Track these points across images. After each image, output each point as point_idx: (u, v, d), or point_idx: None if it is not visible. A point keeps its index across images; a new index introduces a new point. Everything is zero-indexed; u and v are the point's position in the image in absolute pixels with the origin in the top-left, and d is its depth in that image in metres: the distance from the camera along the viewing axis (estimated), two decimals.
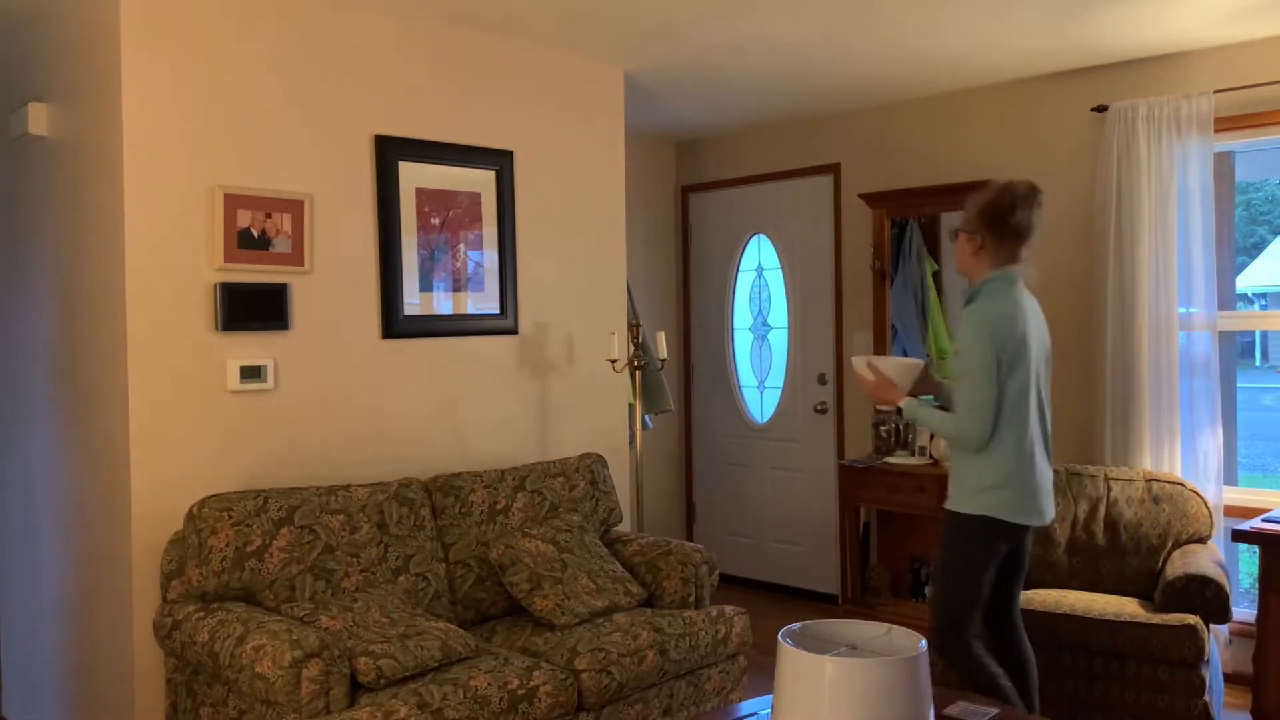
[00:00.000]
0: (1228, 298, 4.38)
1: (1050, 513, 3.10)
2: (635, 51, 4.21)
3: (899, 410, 3.16)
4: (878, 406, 3.25)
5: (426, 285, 3.77)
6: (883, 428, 5.06)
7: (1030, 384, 2.99)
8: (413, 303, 3.72)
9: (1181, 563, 3.59)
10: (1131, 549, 3.89)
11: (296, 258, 3.39)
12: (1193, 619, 3.36)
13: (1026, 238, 3.04)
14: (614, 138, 4.48)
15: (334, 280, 3.52)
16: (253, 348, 3.32)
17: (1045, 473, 3.07)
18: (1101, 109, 4.42)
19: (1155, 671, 3.39)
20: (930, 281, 5.09)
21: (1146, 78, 4.38)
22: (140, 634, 3.09)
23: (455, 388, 3.87)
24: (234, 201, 3.24)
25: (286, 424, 3.39)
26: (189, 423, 3.18)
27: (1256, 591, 3.43)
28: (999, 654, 3.25)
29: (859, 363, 3.25)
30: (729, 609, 3.58)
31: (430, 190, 3.78)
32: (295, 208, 3.38)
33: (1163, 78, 4.34)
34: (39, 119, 3.48)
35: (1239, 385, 4.86)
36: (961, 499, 3.04)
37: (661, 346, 4.41)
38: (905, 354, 5.20)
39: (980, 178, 4.88)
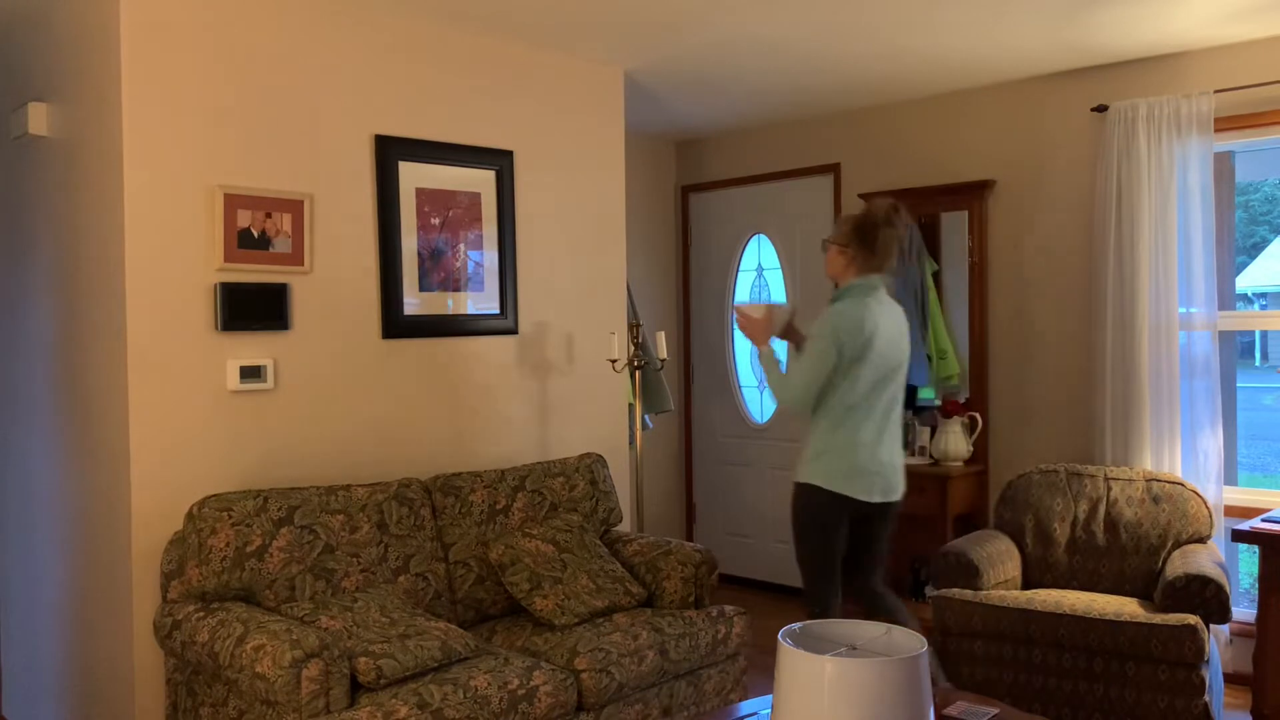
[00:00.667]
0: (1228, 298, 4.38)
1: (879, 495, 3.39)
2: (635, 51, 4.21)
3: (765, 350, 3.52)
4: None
5: (426, 285, 3.77)
6: None
7: (874, 380, 3.35)
8: (413, 303, 3.72)
9: (1181, 563, 3.59)
10: (1131, 549, 3.89)
11: (296, 258, 3.39)
12: (1193, 619, 3.36)
13: (890, 251, 3.46)
14: (614, 138, 4.48)
15: (334, 280, 3.52)
16: (253, 348, 3.32)
17: (884, 460, 3.40)
18: (1101, 109, 4.42)
19: (1155, 671, 3.39)
20: (930, 281, 5.09)
21: (1146, 78, 4.39)
22: (140, 634, 3.09)
23: (455, 388, 3.87)
24: (234, 201, 3.24)
25: (286, 424, 3.39)
26: (189, 423, 3.18)
27: (1256, 591, 3.43)
28: (867, 613, 3.54)
29: (741, 309, 3.62)
30: (729, 609, 3.58)
31: (430, 190, 3.78)
32: (295, 208, 3.38)
33: (1163, 78, 4.34)
34: (39, 119, 3.48)
35: (1239, 385, 4.86)
36: (798, 469, 3.44)
37: (661, 346, 4.41)
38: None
39: (980, 178, 4.88)
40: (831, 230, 3.60)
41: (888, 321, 3.39)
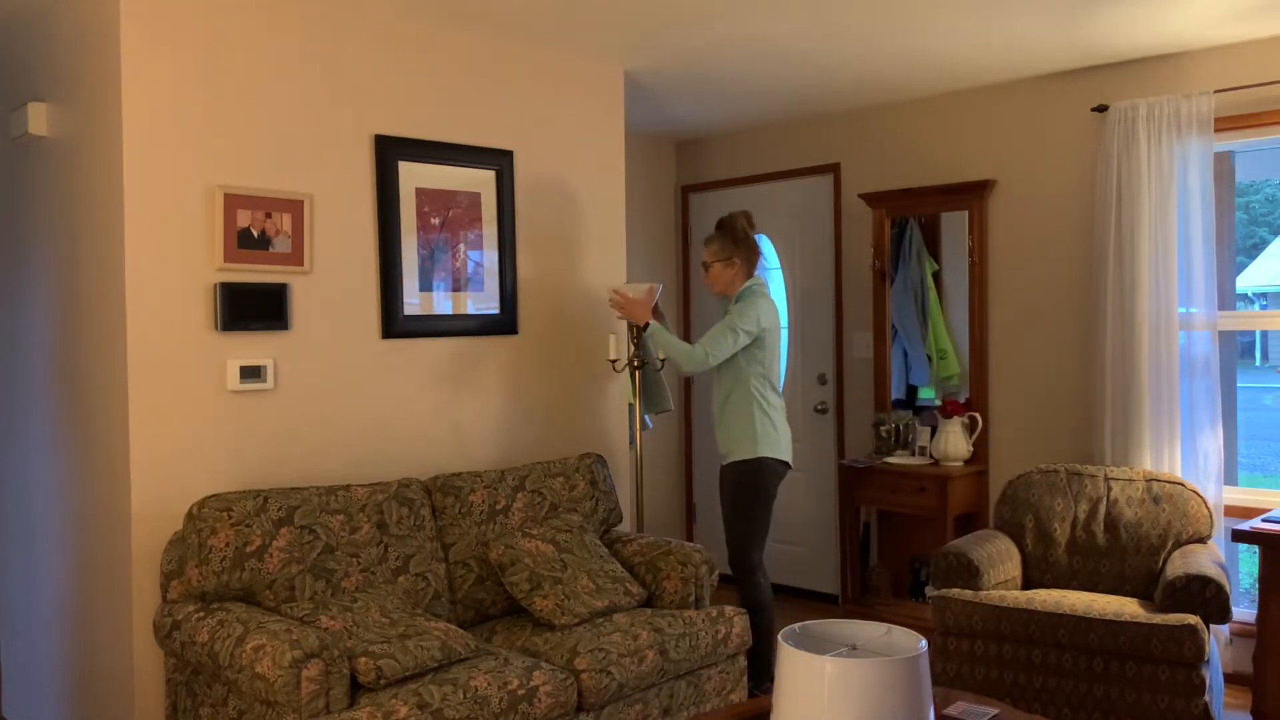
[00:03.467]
0: (1228, 298, 4.38)
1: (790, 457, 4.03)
2: (635, 51, 4.21)
3: (645, 327, 3.94)
4: (630, 324, 4.18)
5: (426, 285, 3.77)
6: (883, 428, 5.06)
7: (777, 362, 4.03)
8: (413, 303, 3.72)
9: (1182, 563, 3.59)
10: (1131, 549, 3.89)
11: (296, 258, 3.39)
12: (1193, 619, 3.36)
13: (759, 251, 4.07)
14: (614, 138, 4.48)
15: (334, 280, 3.52)
16: (253, 348, 3.32)
17: (788, 429, 4.03)
18: (1101, 109, 4.42)
19: (1155, 671, 3.39)
20: (930, 281, 5.09)
21: (1146, 78, 4.39)
22: (140, 634, 3.09)
23: (455, 388, 3.87)
24: (234, 201, 3.24)
25: (286, 424, 3.39)
26: (189, 423, 3.18)
27: (1256, 591, 3.43)
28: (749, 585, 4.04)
29: (619, 290, 3.99)
30: (729, 609, 3.58)
31: (430, 190, 3.78)
32: (295, 208, 3.38)
33: (1163, 78, 4.34)
34: (39, 119, 3.48)
35: (1239, 385, 4.86)
36: (742, 449, 3.90)
37: None
38: (905, 355, 5.20)
39: (980, 178, 4.88)
40: (703, 253, 4.06)
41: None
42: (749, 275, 4.01)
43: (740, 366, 3.93)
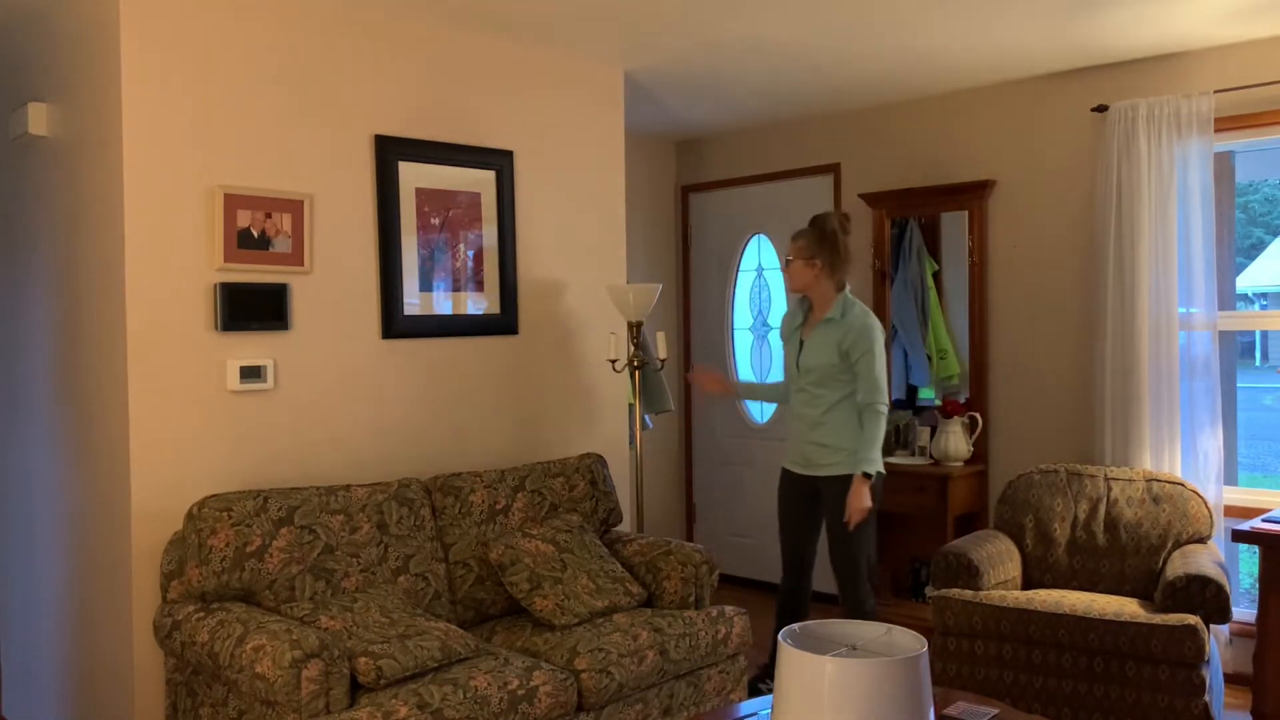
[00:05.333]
0: (1228, 298, 4.38)
1: None
2: (635, 51, 4.21)
3: (869, 477, 3.69)
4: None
5: (426, 285, 3.77)
6: None
7: None
8: (413, 303, 3.72)
9: (1182, 563, 3.59)
10: (1131, 549, 3.89)
11: (296, 258, 3.39)
12: (1193, 619, 3.36)
13: (850, 256, 3.82)
14: (614, 138, 4.48)
15: (334, 280, 3.51)
16: (253, 348, 3.32)
17: None
18: (1101, 109, 4.42)
19: (1155, 671, 3.39)
20: (930, 281, 5.09)
21: (1146, 78, 4.39)
22: (140, 634, 3.09)
23: (455, 388, 3.87)
24: (234, 201, 3.24)
25: (286, 424, 3.39)
26: (189, 423, 3.18)
27: (1256, 591, 3.43)
28: (802, 592, 3.95)
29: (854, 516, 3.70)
30: (729, 609, 3.58)
31: (430, 190, 3.78)
32: (295, 208, 3.38)
33: (1163, 78, 4.34)
34: (39, 119, 3.48)
35: (1239, 385, 4.86)
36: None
37: (661, 346, 4.41)
38: (905, 355, 5.19)
39: (980, 178, 4.88)
40: (789, 247, 3.84)
41: None
42: (832, 278, 3.77)
43: (850, 380, 3.73)
